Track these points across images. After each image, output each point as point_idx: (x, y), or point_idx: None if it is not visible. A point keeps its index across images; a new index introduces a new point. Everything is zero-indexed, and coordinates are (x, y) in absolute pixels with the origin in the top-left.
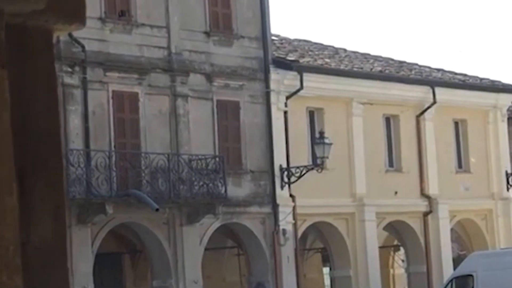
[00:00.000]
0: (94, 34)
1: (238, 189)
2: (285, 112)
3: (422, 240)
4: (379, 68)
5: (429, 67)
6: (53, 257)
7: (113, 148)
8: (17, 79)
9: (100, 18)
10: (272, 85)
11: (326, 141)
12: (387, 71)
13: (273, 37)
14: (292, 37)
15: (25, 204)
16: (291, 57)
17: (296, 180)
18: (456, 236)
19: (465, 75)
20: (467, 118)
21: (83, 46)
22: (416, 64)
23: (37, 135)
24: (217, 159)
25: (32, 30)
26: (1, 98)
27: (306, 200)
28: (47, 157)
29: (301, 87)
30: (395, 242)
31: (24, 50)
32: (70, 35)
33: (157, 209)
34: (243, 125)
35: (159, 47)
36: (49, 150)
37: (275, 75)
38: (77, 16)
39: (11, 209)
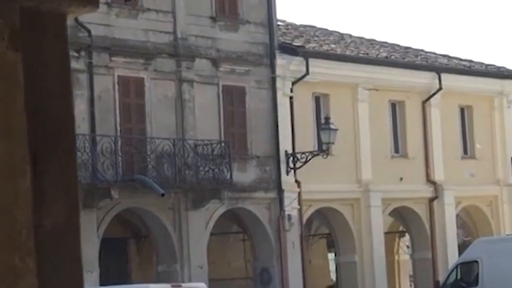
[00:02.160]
0: (100, 19)
1: (244, 174)
2: (291, 98)
3: (427, 226)
4: (385, 54)
5: (434, 53)
6: (65, 240)
7: (118, 133)
8: (30, 62)
9: (106, 3)
10: (278, 71)
11: (332, 126)
12: (393, 57)
13: (279, 23)
14: (298, 22)
15: (38, 187)
16: (297, 42)
17: (302, 166)
18: (462, 222)
19: (471, 61)
20: (472, 104)
21: (89, 31)
22: (422, 50)
23: (50, 118)
24: (223, 144)
25: (46, 13)
26: (15, 81)
27: (312, 186)
28: (60, 141)
29: (307, 73)
30: (401, 228)
31: (38, 33)
32: (76, 20)
33: (162, 194)
34: (249, 111)
35: (165, 32)
36: (62, 133)
37: (281, 60)
38: None
39: (24, 192)
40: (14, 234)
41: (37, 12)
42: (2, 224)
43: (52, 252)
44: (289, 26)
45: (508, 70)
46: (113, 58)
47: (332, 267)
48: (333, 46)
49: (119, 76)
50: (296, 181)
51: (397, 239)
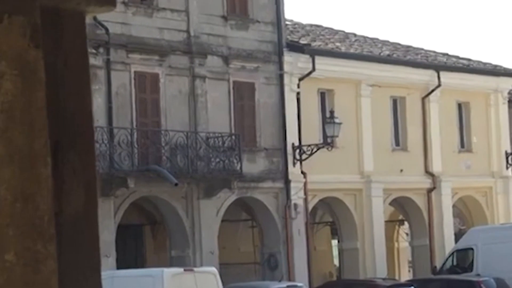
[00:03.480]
0: (117, 17)
1: (253, 165)
2: (298, 93)
3: (425, 215)
4: (387, 52)
5: (434, 52)
6: (84, 227)
7: (135, 126)
8: (50, 59)
9: (123, 2)
10: (286, 68)
11: (336, 120)
12: (394, 55)
13: (287, 22)
14: (304, 22)
15: (59, 176)
16: (303, 41)
17: (308, 158)
18: (458, 212)
19: (469, 59)
20: (470, 101)
21: (106, 29)
22: (422, 49)
23: (70, 112)
24: (233, 137)
25: (65, 12)
26: (37, 77)
27: (317, 177)
28: (79, 133)
29: (313, 70)
30: (400, 217)
31: (57, 31)
32: (94, 18)
33: (176, 184)
34: (258, 105)
35: (179, 30)
36: (81, 126)
37: (289, 58)
38: None
39: (45, 181)
40: (37, 221)
41: (57, 11)
42: (26, 211)
43: (71, 238)
44: (296, 25)
45: (504, 69)
46: (130, 55)
47: (335, 253)
48: (338, 44)
49: (135, 72)
50: (302, 172)
51: (397, 227)
